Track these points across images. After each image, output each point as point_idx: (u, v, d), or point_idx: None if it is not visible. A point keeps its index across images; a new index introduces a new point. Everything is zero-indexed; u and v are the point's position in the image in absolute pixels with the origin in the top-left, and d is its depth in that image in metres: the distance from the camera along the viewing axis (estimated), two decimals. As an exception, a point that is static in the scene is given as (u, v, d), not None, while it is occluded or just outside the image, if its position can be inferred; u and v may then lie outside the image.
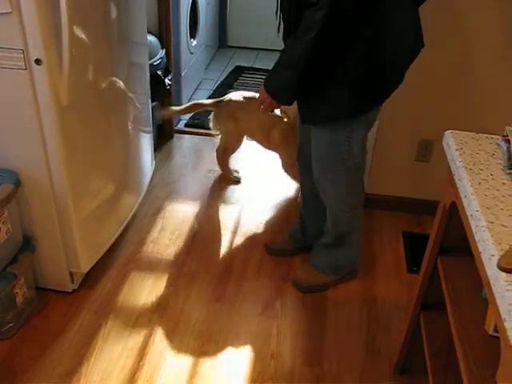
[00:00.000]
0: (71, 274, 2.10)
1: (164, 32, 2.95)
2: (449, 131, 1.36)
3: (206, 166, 3.08)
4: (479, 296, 1.35)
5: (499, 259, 0.93)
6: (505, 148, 1.26)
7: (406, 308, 2.15)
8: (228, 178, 2.97)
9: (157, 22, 2.94)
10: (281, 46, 1.80)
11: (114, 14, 2.04)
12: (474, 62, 2.37)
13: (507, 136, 1.29)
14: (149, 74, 2.53)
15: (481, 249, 1.01)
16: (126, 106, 2.30)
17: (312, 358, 1.95)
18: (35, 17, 1.54)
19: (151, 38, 2.80)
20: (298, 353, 1.97)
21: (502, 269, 0.91)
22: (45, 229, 1.96)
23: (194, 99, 3.79)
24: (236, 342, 2.00)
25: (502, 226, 1.02)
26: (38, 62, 1.61)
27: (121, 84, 2.19)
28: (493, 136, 1.34)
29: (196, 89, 3.92)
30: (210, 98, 3.82)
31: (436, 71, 2.40)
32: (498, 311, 0.90)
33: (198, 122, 3.47)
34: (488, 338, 1.23)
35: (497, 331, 1.22)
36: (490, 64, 2.35)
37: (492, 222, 1.03)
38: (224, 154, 2.90)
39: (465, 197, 1.15)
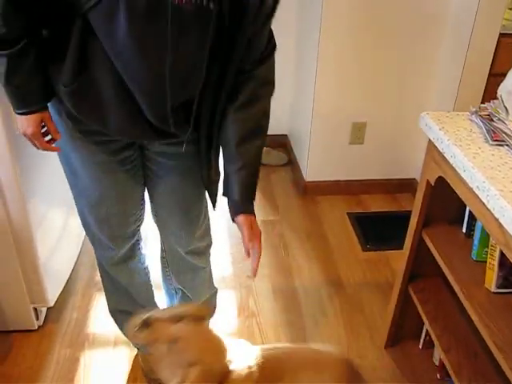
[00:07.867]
0: (35, 310, 1.96)
1: None
2: (424, 113, 1.46)
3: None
4: (469, 259, 1.47)
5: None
6: (480, 123, 1.39)
7: (372, 285, 2.28)
8: None
9: None
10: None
11: None
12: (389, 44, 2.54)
13: (477, 112, 1.43)
14: None
15: (498, 215, 1.11)
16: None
17: (299, 348, 2.00)
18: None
19: None
20: (284, 345, 2.01)
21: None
22: (4, 270, 1.81)
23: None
24: (223, 347, 1.99)
25: (511, 192, 1.13)
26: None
27: None
28: (462, 113, 1.47)
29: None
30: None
31: (362, 57, 2.54)
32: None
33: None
34: (492, 295, 1.35)
35: (499, 288, 1.35)
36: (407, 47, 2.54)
37: (502, 190, 1.13)
38: None
39: (464, 171, 1.25)
